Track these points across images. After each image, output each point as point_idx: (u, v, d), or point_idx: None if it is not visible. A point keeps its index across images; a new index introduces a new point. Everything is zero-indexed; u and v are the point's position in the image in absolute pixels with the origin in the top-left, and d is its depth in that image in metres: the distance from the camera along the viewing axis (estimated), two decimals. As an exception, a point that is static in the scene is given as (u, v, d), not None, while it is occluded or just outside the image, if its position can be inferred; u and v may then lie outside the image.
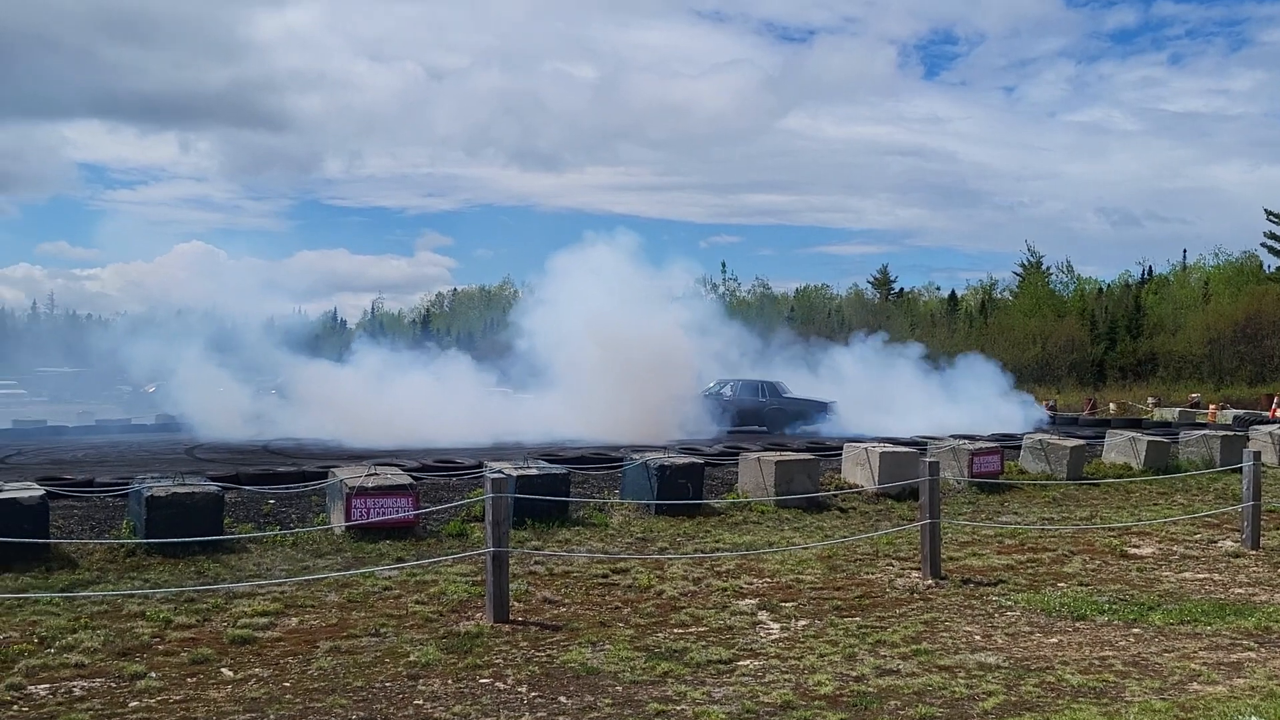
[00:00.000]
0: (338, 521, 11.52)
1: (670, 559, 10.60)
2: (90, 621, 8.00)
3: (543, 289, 29.01)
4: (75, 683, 6.68)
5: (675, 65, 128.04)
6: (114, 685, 6.63)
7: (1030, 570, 10.35)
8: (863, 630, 7.98)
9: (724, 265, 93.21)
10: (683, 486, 13.28)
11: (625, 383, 24.91)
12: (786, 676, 6.83)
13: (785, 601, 8.93)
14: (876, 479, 15.04)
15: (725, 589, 9.32)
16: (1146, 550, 11.49)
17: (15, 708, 6.20)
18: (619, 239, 28.41)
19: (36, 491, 10.40)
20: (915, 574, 10.00)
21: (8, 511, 9.91)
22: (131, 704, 6.29)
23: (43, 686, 6.59)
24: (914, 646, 7.53)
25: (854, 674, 6.88)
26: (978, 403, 29.70)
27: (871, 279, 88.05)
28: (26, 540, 9.62)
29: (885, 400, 28.99)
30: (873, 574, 10.07)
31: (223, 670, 6.98)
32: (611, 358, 25.05)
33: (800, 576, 9.84)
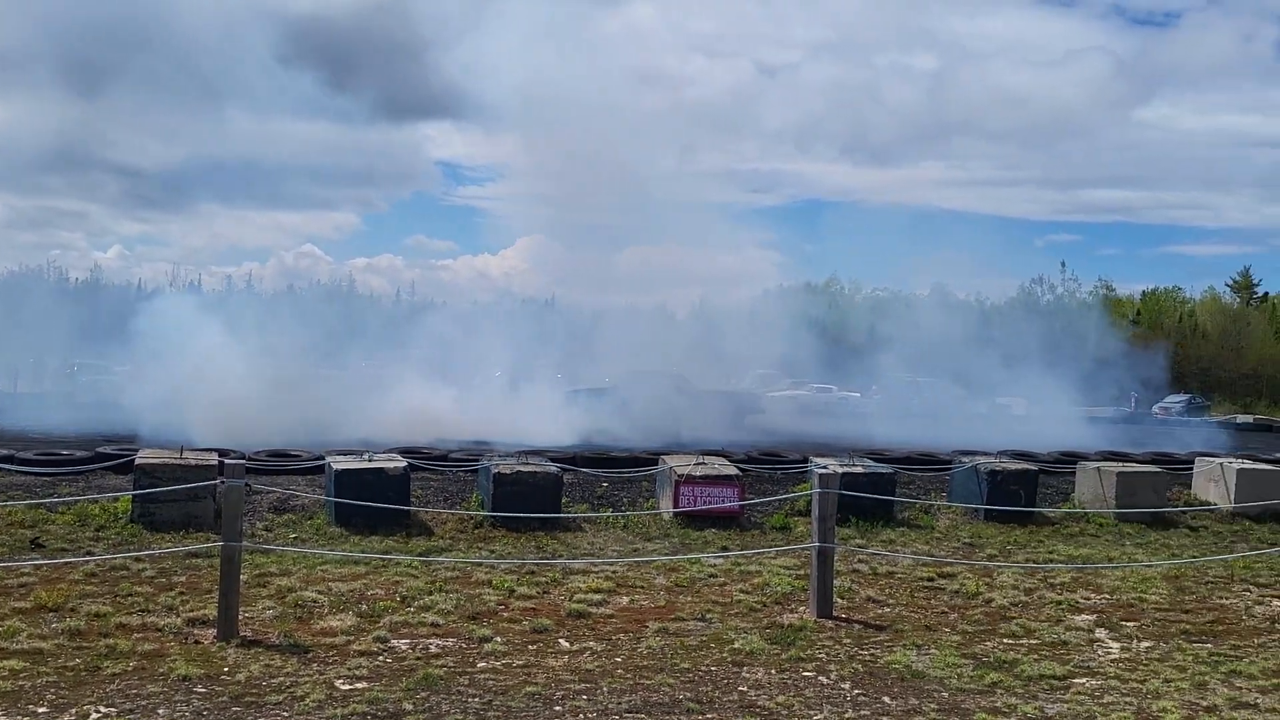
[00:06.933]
0: (666, 507, 11.91)
1: (1000, 567, 10.24)
2: (444, 585, 8.68)
3: None
4: (432, 640, 7.27)
5: (1021, 53, 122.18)
6: (464, 646, 7.18)
7: None
8: (1215, 658, 7.41)
9: (1063, 265, 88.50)
10: (1014, 493, 12.81)
11: None
12: (1128, 700, 6.45)
13: (1126, 620, 8.43)
14: (1232, 497, 13.91)
15: (1060, 603, 8.90)
16: None
17: (381, 658, 6.84)
18: None
19: (400, 463, 11.40)
20: (1277, 602, 9.17)
21: (376, 480, 10.93)
22: (479, 664, 6.78)
23: (404, 641, 7.23)
24: (1275, 680, 6.91)
25: (1204, 704, 6.41)
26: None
27: (1231, 281, 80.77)
28: (391, 506, 10.57)
29: None
30: (1227, 599, 9.32)
31: (560, 641, 7.40)
32: None
33: (1143, 595, 9.25)
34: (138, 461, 10.95)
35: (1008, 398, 31.77)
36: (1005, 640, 7.75)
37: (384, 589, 8.56)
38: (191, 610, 7.66)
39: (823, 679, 6.71)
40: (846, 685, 6.59)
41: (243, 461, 8.15)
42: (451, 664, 6.76)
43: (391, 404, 20.70)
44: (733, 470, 12.37)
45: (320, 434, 17.47)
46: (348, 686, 6.24)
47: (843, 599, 8.64)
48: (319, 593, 8.29)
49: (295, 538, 10.49)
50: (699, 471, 11.98)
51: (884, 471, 12.87)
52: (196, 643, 6.98)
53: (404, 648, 7.08)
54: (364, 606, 8.01)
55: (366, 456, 11.73)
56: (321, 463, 12.33)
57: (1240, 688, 6.75)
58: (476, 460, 13.26)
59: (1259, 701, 6.49)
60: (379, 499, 10.54)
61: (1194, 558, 11.15)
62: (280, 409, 18.70)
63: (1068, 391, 30.05)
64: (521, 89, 28.52)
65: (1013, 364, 29.75)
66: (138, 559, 9.11)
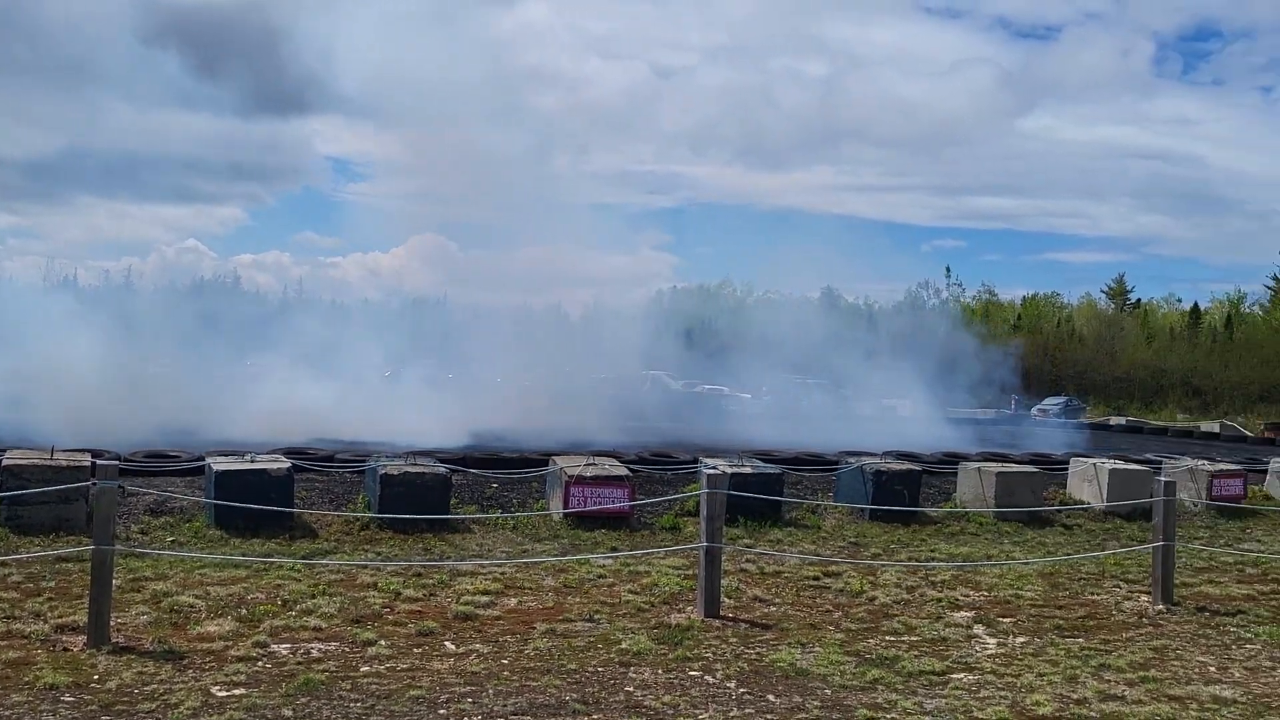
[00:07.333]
0: (556, 508, 11.88)
1: (883, 566, 10.44)
2: (328, 588, 8.52)
3: None
4: (313, 644, 7.13)
5: (909, 63, 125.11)
6: (348, 650, 7.05)
7: (1274, 602, 9.69)
8: (1085, 652, 7.66)
9: (948, 270, 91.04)
10: (899, 493, 13.06)
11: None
12: (1003, 694, 6.63)
13: (1003, 617, 8.66)
14: (1105, 496, 14.40)
15: (940, 600, 9.11)
16: None
17: (260, 664, 6.68)
18: None
19: (284, 464, 11.16)
20: (1145, 598, 9.52)
21: (258, 481, 10.68)
22: (363, 669, 6.66)
23: (284, 646, 7.07)
24: (1141, 673, 7.17)
25: (1075, 697, 6.62)
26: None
27: (1106, 288, 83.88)
28: (274, 508, 10.33)
29: None
30: (1098, 595, 9.64)
31: (446, 644, 7.31)
32: None
33: (1019, 592, 9.52)
34: (4, 462, 10.53)
35: (894, 399, 32.44)
36: (887, 637, 7.90)
37: (265, 593, 8.36)
38: (60, 616, 7.39)
39: (709, 678, 6.75)
40: (732, 684, 6.65)
41: (116, 462, 7.89)
42: (333, 668, 6.63)
43: (267, 403, 20.13)
44: (623, 471, 12.38)
45: (186, 434, 16.95)
46: (224, 693, 6.08)
47: (730, 598, 8.71)
48: (196, 597, 8.07)
49: (173, 541, 10.19)
50: (589, 472, 11.96)
51: (772, 472, 13.02)
52: (65, 650, 6.73)
53: (284, 652, 6.92)
54: (243, 611, 7.81)
55: (249, 457, 11.45)
56: (201, 464, 12.00)
57: (1109, 680, 6.99)
58: (363, 461, 13.04)
59: (1126, 694, 6.73)
60: (261, 501, 10.30)
61: (1068, 555, 11.51)
62: (142, 408, 18.06)
63: (951, 394, 30.80)
64: (412, 86, 28.12)
65: (897, 366, 30.40)
66: (4, 564, 8.76)
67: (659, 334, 32.40)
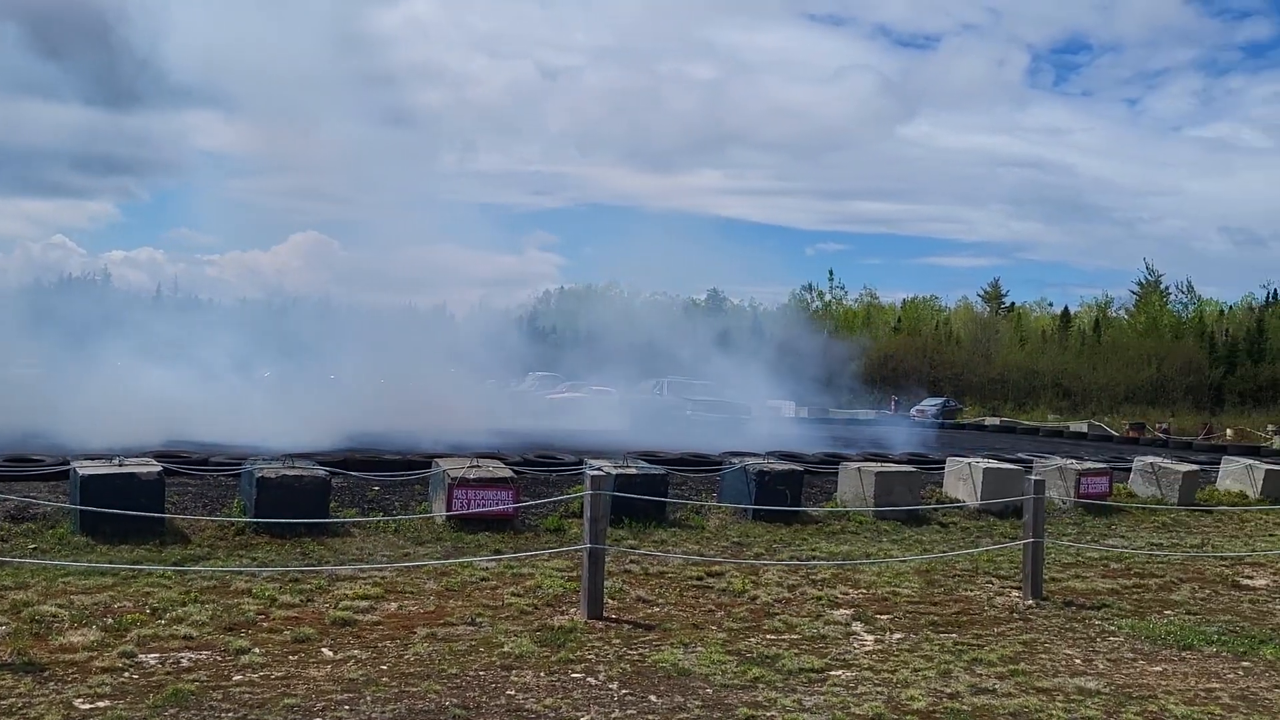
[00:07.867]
0: (439, 511, 11.73)
1: (766, 565, 10.56)
2: (200, 596, 8.27)
3: None
4: (183, 654, 6.90)
5: (793, 69, 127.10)
6: (220, 659, 6.84)
7: (1136, 596, 10.07)
8: (959, 647, 7.85)
9: (831, 273, 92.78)
10: (781, 493, 13.22)
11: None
12: (879, 689, 6.75)
13: (880, 614, 8.83)
14: (979, 495, 14.79)
15: (820, 598, 9.25)
16: (1260, 582, 11.09)
17: (127, 675, 6.44)
18: None
19: (154, 468, 10.79)
20: (1015, 593, 9.80)
21: (126, 486, 10.31)
22: (235, 677, 6.48)
23: (153, 656, 6.83)
24: (1011, 667, 7.38)
25: (948, 691, 6.78)
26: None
27: (982, 292, 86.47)
28: (143, 514, 9.98)
29: None
30: (971, 591, 9.90)
31: (323, 650, 7.15)
32: None
33: (897, 589, 9.72)
34: None
35: (778, 400, 32.91)
36: (768, 636, 7.98)
37: (132, 601, 8.07)
38: (-90, 629, 7.03)
39: (591, 680, 6.74)
40: (614, 685, 6.64)
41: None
42: (204, 678, 6.43)
43: (135, 404, 19.29)
44: (507, 473, 12.28)
45: (36, 437, 16.28)
46: (88, 706, 5.85)
47: (614, 599, 8.70)
48: (59, 606, 7.75)
49: (34, 548, 9.78)
50: (473, 474, 11.84)
51: (657, 473, 13.06)
52: (-85, 665, 6.40)
53: (153, 663, 6.69)
54: (110, 620, 7.53)
55: (117, 461, 11.05)
56: (66, 468, 11.55)
57: (981, 674, 7.17)
58: (239, 464, 12.69)
59: (996, 687, 6.91)
60: (130, 506, 9.93)
61: (943, 553, 11.79)
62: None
63: (828, 395, 31.38)
64: (292, 82, 27.45)
65: (779, 368, 30.85)
66: None
67: (543, 334, 32.31)
